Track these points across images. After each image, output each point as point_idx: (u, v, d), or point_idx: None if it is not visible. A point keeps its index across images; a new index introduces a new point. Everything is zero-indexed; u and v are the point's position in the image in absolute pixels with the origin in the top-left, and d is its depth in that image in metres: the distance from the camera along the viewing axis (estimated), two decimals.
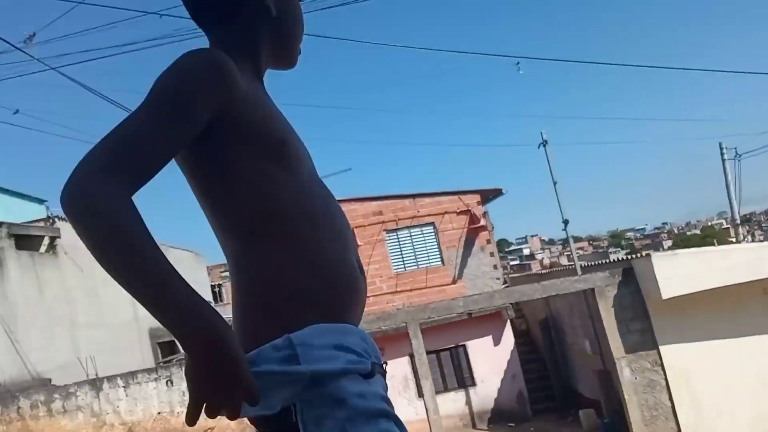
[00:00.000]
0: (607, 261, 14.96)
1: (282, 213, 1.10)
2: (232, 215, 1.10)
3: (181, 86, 1.00)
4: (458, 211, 17.61)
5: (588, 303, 12.48)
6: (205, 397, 0.90)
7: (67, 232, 13.87)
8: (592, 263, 15.69)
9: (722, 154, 20.28)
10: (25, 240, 12.81)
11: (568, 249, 20.72)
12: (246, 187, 1.09)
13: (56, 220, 13.81)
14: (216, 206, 1.11)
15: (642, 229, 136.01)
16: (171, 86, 1.01)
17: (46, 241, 13.34)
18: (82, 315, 13.76)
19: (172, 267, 0.89)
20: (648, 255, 11.92)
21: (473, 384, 15.57)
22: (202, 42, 1.22)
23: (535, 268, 50.33)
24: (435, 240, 17.61)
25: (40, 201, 15.39)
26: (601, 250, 67.75)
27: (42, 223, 13.59)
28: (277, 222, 1.10)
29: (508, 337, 15.81)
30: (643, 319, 11.34)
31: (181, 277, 0.89)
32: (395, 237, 17.56)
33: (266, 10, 1.23)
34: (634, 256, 14.03)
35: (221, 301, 28.78)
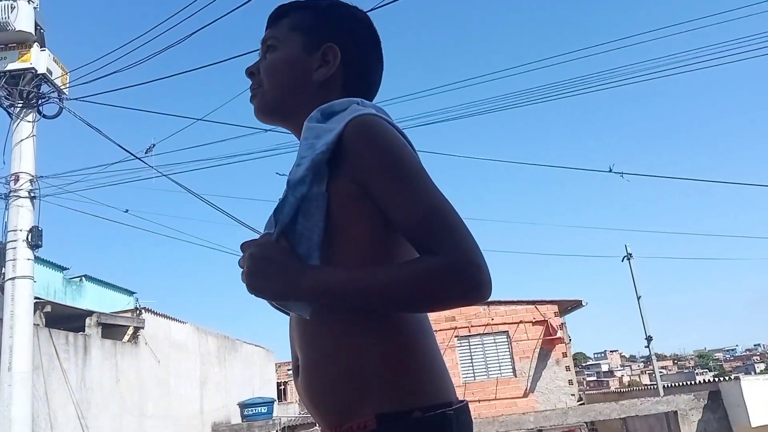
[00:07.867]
0: (693, 383, 14.14)
1: None
2: None
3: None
4: (534, 321, 17.26)
5: (670, 427, 11.77)
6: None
7: (151, 324, 14.43)
8: (676, 384, 14.87)
9: None
10: (111, 329, 13.43)
11: (650, 367, 19.72)
12: None
13: (143, 311, 14.43)
14: None
15: (732, 350, 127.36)
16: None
17: (130, 331, 13.95)
18: (152, 406, 14.05)
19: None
20: (737, 378, 11.28)
21: None
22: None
23: (614, 385, 47.78)
24: (508, 350, 17.23)
25: (131, 293, 16.23)
26: (686, 371, 63.83)
27: (129, 314, 14.24)
28: None
29: None
30: None
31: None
32: (466, 344, 17.30)
33: None
34: (722, 378, 13.23)
35: (285, 399, 28.51)
